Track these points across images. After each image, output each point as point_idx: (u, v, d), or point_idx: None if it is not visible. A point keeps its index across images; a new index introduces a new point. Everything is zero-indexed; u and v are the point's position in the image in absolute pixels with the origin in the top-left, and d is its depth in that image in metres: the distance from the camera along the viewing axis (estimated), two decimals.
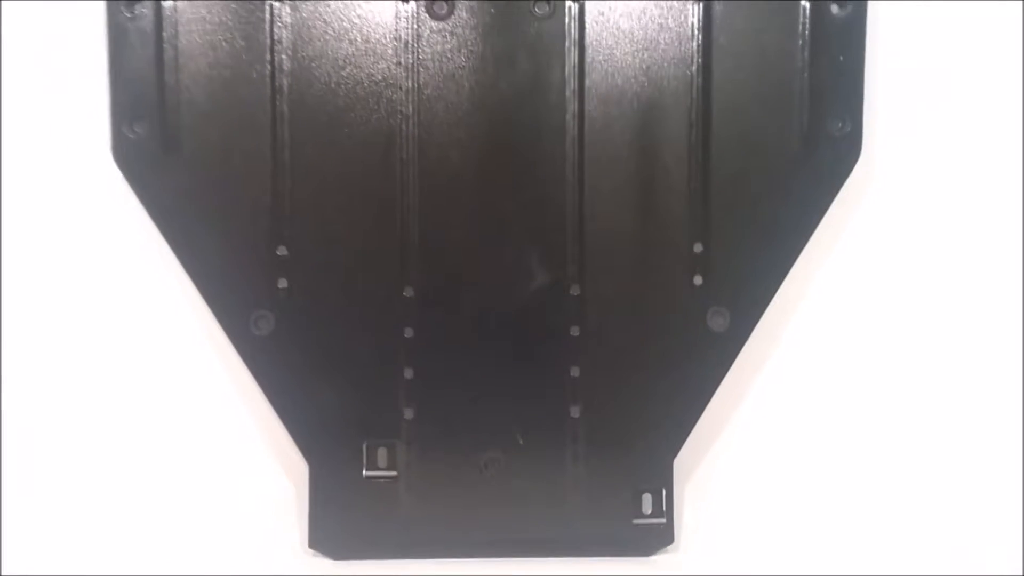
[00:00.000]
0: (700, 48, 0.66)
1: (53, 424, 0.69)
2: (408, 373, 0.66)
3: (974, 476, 0.71)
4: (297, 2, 0.65)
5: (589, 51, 0.66)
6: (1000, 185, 0.70)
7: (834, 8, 0.66)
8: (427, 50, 0.65)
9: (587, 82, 0.66)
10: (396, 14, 0.65)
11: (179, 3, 0.64)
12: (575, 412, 0.67)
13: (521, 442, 0.67)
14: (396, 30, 0.65)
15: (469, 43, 0.65)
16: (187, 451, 0.69)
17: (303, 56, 0.65)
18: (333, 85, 0.65)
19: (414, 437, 0.67)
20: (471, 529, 0.67)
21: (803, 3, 0.65)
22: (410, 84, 0.65)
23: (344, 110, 0.65)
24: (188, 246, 0.65)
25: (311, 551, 0.66)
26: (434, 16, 0.65)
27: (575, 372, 0.67)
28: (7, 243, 0.67)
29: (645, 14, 0.66)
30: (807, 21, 0.66)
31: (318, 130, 0.65)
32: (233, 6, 0.64)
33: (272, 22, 0.64)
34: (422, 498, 0.67)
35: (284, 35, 0.65)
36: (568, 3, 0.65)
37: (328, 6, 0.65)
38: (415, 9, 0.65)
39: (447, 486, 0.67)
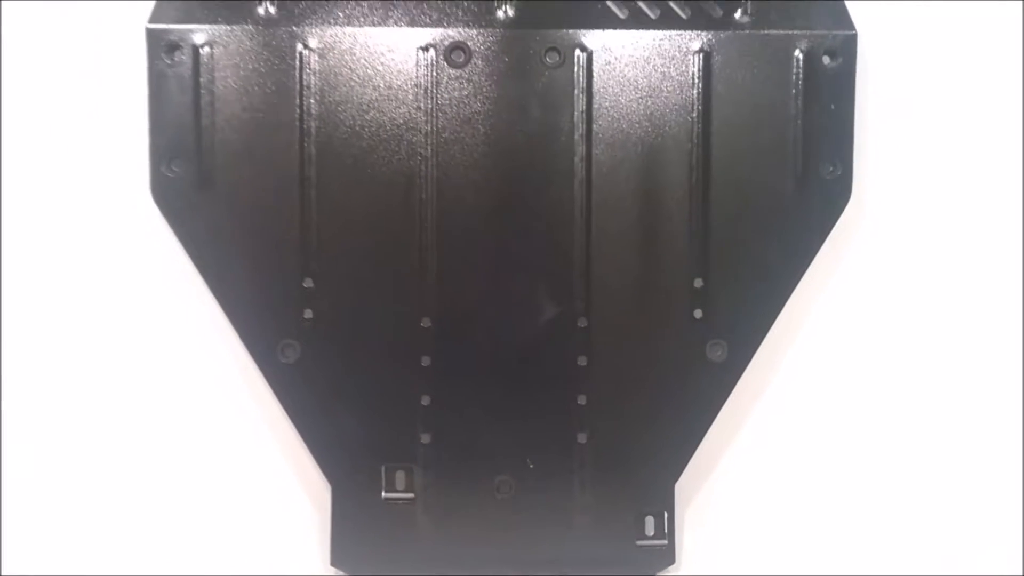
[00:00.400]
0: (700, 96, 0.70)
1: (95, 445, 0.72)
2: (425, 400, 0.70)
3: (973, 482, 0.75)
4: (325, 50, 0.69)
5: (596, 98, 0.70)
6: (981, 224, 0.75)
7: (825, 59, 0.70)
8: (445, 96, 0.70)
9: (594, 127, 0.70)
10: (417, 62, 0.69)
11: (215, 51, 0.68)
12: (582, 438, 0.70)
13: (531, 466, 0.70)
14: (416, 77, 0.69)
15: (484, 90, 0.70)
16: (215, 472, 0.72)
17: (330, 101, 0.69)
18: (358, 128, 0.69)
19: (430, 461, 0.70)
20: (484, 548, 0.71)
21: (797, 55, 0.70)
22: (429, 128, 0.69)
23: (368, 152, 0.69)
24: (220, 278, 0.69)
25: (333, 569, 0.70)
26: (452, 64, 0.70)
27: (582, 400, 0.70)
28: (53, 272, 0.72)
29: (649, 63, 0.70)
30: (800, 72, 0.70)
31: (343, 170, 0.69)
32: (265, 54, 0.68)
33: (301, 69, 0.69)
34: (438, 519, 0.70)
35: (312, 81, 0.69)
36: (577, 53, 0.70)
37: (354, 54, 0.69)
38: (434, 57, 0.69)
39: (461, 508, 0.70)
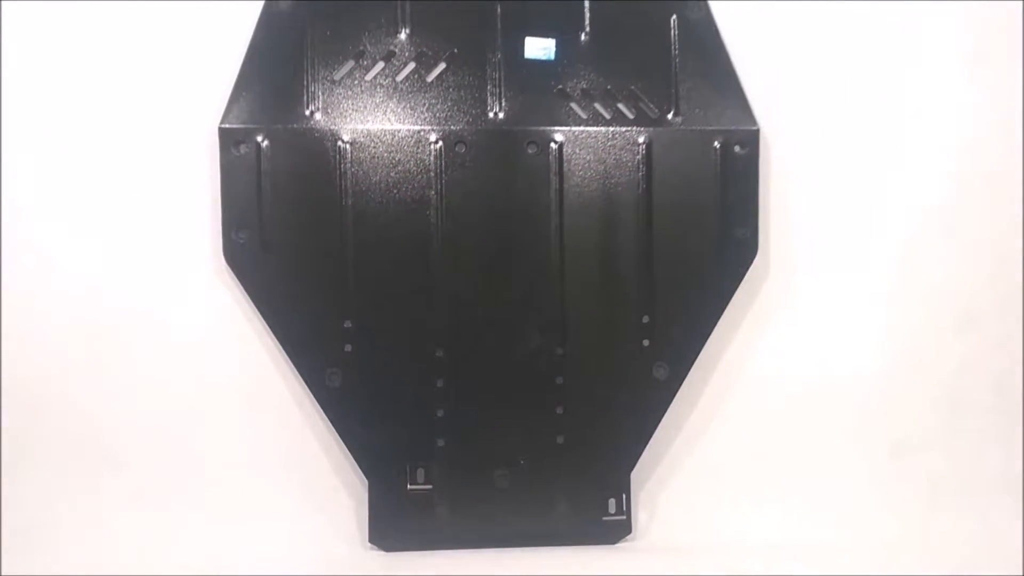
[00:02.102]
0: (644, 177, 0.90)
1: (193, 446, 0.91)
2: (440, 413, 0.89)
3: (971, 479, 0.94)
4: (358, 143, 0.88)
5: (566, 179, 0.90)
6: (858, 270, 0.97)
7: (736, 148, 0.91)
8: (451, 177, 0.89)
9: (565, 201, 0.90)
10: (429, 152, 0.89)
11: (272, 144, 0.87)
12: (560, 440, 0.90)
13: (522, 463, 0.90)
14: (429, 163, 0.88)
15: (481, 172, 0.89)
16: (275, 472, 0.91)
17: (363, 182, 0.88)
18: (384, 203, 0.88)
19: (444, 460, 0.89)
20: (487, 526, 0.90)
21: (715, 145, 0.91)
22: (439, 202, 0.89)
23: (393, 221, 0.88)
24: (278, 320, 0.87)
25: (370, 546, 0.88)
26: (456, 153, 0.89)
27: (560, 410, 0.90)
28: (151, 317, 0.90)
29: (605, 152, 0.90)
30: (718, 158, 0.91)
31: (374, 236, 0.88)
32: (311, 147, 0.87)
33: (339, 158, 0.88)
34: (451, 505, 0.90)
35: (348, 168, 0.88)
36: (551, 144, 0.90)
37: (380, 146, 0.88)
38: (442, 148, 0.89)
39: (468, 496, 0.90)
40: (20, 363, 0.89)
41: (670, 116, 0.91)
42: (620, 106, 0.91)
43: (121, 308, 0.90)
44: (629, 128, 0.91)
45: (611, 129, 0.91)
